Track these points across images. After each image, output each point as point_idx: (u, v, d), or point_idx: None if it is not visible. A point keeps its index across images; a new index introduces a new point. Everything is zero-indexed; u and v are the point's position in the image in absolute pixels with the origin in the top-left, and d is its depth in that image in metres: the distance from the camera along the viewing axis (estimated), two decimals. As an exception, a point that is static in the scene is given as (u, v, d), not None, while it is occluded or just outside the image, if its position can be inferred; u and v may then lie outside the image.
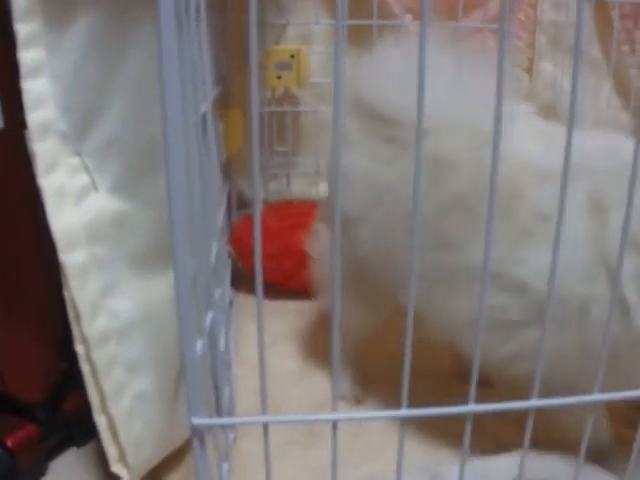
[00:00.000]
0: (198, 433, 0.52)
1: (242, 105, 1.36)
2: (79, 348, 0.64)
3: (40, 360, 0.76)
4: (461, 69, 0.80)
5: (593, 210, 0.67)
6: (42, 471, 0.76)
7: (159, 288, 0.66)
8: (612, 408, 0.74)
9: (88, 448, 0.80)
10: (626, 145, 0.54)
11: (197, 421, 0.52)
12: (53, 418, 0.78)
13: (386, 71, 0.84)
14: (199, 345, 0.57)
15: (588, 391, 0.54)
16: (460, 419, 0.53)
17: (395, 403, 0.54)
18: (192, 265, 0.60)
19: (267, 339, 1.09)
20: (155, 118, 0.60)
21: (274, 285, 1.22)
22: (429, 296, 0.75)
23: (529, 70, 1.58)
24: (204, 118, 0.64)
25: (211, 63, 0.79)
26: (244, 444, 0.79)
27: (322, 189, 1.54)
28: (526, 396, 0.53)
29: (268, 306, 1.21)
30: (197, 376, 0.51)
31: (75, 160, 0.63)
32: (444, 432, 0.81)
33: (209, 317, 0.63)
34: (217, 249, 0.80)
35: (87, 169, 0.63)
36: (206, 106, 0.65)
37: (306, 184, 1.52)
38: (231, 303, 1.17)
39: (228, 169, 1.30)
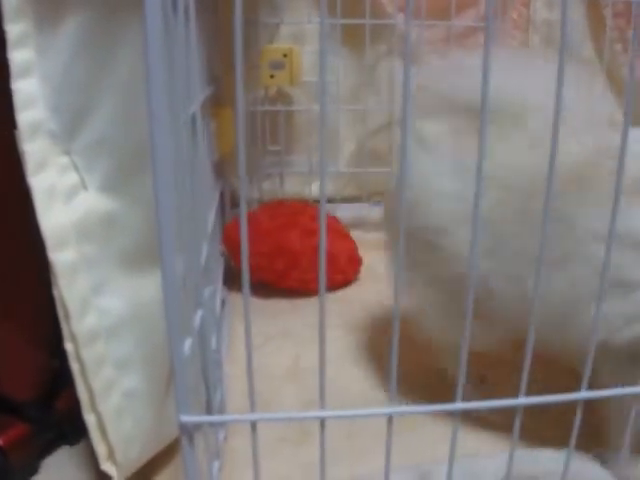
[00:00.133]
0: (186, 431, 0.53)
1: (232, 104, 1.36)
2: (68, 346, 0.64)
3: (31, 359, 0.76)
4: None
5: None
6: (34, 470, 0.76)
7: (149, 287, 0.66)
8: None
9: (80, 446, 0.80)
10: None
11: (185, 419, 0.52)
12: (45, 417, 0.78)
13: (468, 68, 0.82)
14: (187, 344, 0.57)
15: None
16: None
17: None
18: (180, 264, 0.60)
19: (259, 338, 1.11)
20: (145, 118, 0.60)
21: (267, 284, 1.22)
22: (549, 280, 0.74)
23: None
24: (194, 118, 0.64)
25: (202, 63, 0.79)
26: (235, 442, 0.79)
27: (315, 188, 1.54)
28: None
29: (260, 305, 1.23)
30: (185, 374, 0.52)
31: (65, 159, 0.63)
32: (435, 430, 0.82)
33: (198, 316, 0.63)
34: (208, 248, 0.81)
35: (77, 168, 0.63)
36: (196, 106, 0.65)
37: (299, 183, 1.53)
38: (224, 302, 1.18)
39: (221, 168, 1.30)
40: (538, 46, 1.56)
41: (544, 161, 0.47)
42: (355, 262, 1.31)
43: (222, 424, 0.77)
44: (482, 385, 0.89)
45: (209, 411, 0.69)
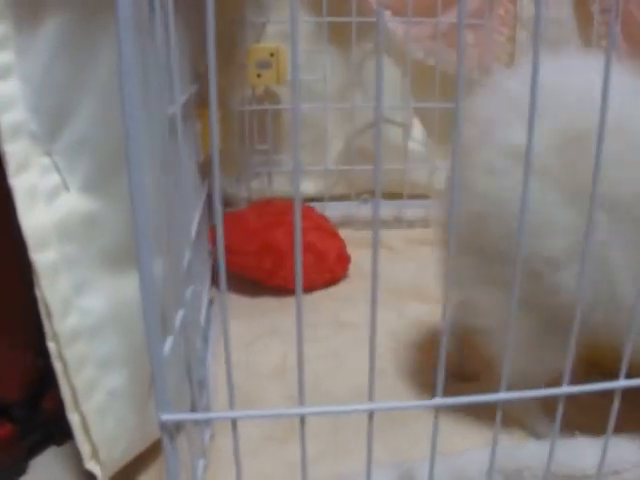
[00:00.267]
0: (167, 429, 0.53)
1: (221, 104, 1.37)
2: (51, 345, 0.64)
3: (17, 359, 0.76)
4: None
5: None
6: (21, 470, 0.76)
7: (130, 286, 0.66)
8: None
9: (67, 446, 0.80)
10: None
11: (165, 417, 0.52)
12: (31, 417, 0.78)
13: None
14: (168, 343, 0.57)
15: None
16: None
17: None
18: (160, 265, 0.60)
19: (247, 336, 1.11)
20: (141, 116, 0.61)
21: (255, 282, 1.23)
22: None
23: (509, 65, 1.59)
24: (173, 119, 0.64)
25: (185, 62, 0.79)
26: (222, 441, 0.79)
27: (304, 187, 1.55)
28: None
29: (249, 303, 1.23)
30: (164, 373, 0.52)
31: (46, 160, 0.63)
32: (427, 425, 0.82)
33: (179, 316, 0.64)
34: (193, 248, 0.81)
35: (58, 169, 0.63)
36: (177, 106, 0.65)
37: (288, 182, 1.53)
38: (212, 301, 1.18)
39: (208, 168, 1.31)
40: (525, 42, 1.57)
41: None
42: (344, 260, 1.31)
43: (207, 422, 0.77)
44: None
45: (194, 410, 0.69)
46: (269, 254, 1.19)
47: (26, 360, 0.77)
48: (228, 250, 1.24)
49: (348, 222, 1.50)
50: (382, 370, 0.99)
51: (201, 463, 0.73)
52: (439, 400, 0.55)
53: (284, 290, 1.22)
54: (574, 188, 0.70)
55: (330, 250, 1.27)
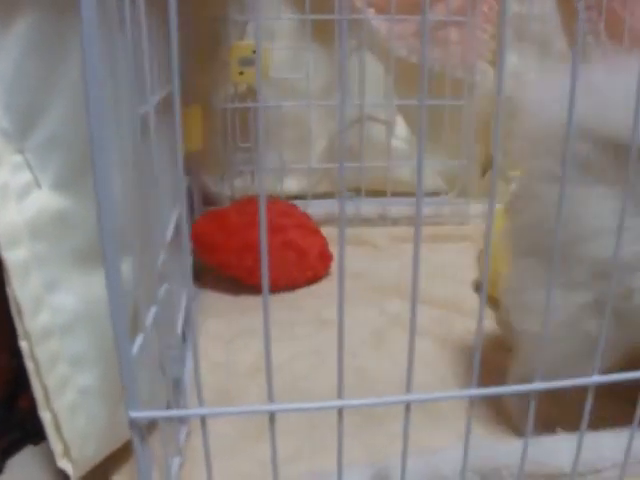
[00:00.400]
0: (137, 427, 0.53)
1: (204, 102, 1.36)
2: (23, 344, 0.64)
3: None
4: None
5: None
6: (-2, 470, 0.77)
7: (101, 284, 0.65)
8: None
9: (44, 445, 0.80)
10: None
11: (134, 414, 0.52)
12: (7, 417, 0.78)
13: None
14: (138, 341, 0.57)
15: None
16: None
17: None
18: (129, 264, 0.60)
19: (228, 334, 1.12)
20: (106, 115, 0.60)
21: (236, 280, 1.23)
22: None
23: (493, 62, 1.59)
24: (145, 118, 0.64)
25: (161, 61, 0.79)
26: (198, 439, 0.79)
27: (287, 185, 1.55)
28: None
29: (230, 301, 1.23)
30: (133, 371, 0.52)
31: (18, 158, 0.63)
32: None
33: (151, 314, 0.64)
34: (171, 246, 0.81)
35: (30, 167, 0.63)
36: (149, 105, 0.65)
37: (271, 180, 1.53)
38: (193, 299, 1.18)
39: (189, 166, 1.31)
40: (509, 39, 1.57)
41: None
42: (326, 258, 1.31)
43: (182, 420, 0.77)
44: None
45: (169, 407, 0.70)
46: (250, 252, 1.18)
47: (1, 360, 0.77)
48: (210, 248, 1.25)
49: (331, 220, 1.50)
50: (361, 368, 0.99)
51: (176, 461, 0.73)
52: (414, 396, 0.55)
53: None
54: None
55: (312, 248, 1.27)
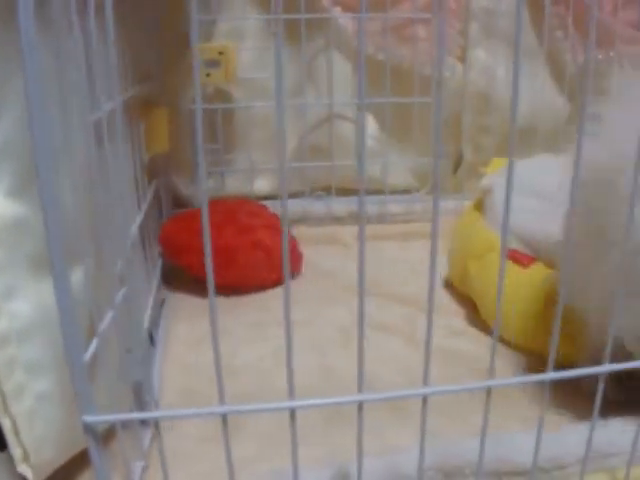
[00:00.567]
0: (91, 431, 0.53)
1: (172, 103, 1.36)
2: (-20, 350, 0.64)
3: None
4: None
5: None
6: (-36, 477, 0.77)
7: (57, 291, 0.66)
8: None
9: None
10: None
11: (88, 419, 0.52)
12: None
13: None
14: (92, 346, 0.58)
15: None
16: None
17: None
18: (81, 270, 0.60)
19: (196, 335, 1.12)
20: (50, 121, 0.60)
21: (205, 281, 1.22)
22: None
23: (462, 58, 1.59)
24: (99, 123, 0.65)
25: (120, 65, 0.79)
26: (163, 442, 0.79)
27: (257, 185, 1.55)
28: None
29: (199, 304, 1.24)
30: (85, 376, 0.52)
31: (-29, 165, 0.63)
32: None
33: (107, 318, 0.64)
34: (132, 250, 0.81)
35: (-17, 174, 0.63)
36: (104, 111, 0.65)
37: (241, 181, 1.53)
38: (163, 302, 1.18)
39: (155, 169, 1.30)
40: (477, 35, 1.57)
41: None
42: (295, 258, 1.31)
43: (145, 423, 0.77)
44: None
45: (132, 410, 0.70)
46: (218, 253, 1.18)
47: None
48: (178, 250, 1.24)
49: (302, 219, 1.50)
50: (331, 367, 0.99)
51: (139, 465, 0.73)
52: (363, 396, 0.56)
53: (236, 289, 1.22)
54: None
55: (280, 248, 1.27)
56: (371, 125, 1.60)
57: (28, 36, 0.43)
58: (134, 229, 0.90)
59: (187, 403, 0.89)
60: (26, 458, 0.67)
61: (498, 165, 1.26)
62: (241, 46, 1.46)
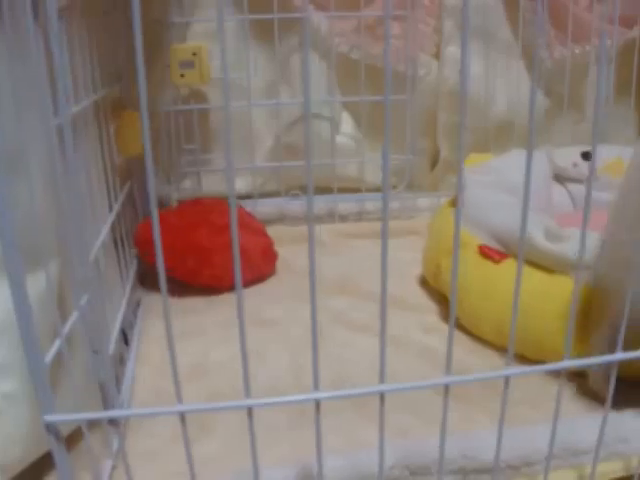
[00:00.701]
0: (53, 430, 0.54)
1: (147, 105, 1.36)
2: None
3: None
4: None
5: None
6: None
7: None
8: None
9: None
10: None
11: (49, 418, 0.53)
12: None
13: None
14: (55, 346, 0.58)
15: None
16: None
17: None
18: (41, 274, 0.61)
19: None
20: (9, 124, 0.61)
21: (182, 282, 1.23)
22: None
23: (437, 56, 1.60)
24: (60, 128, 0.65)
25: (86, 68, 0.79)
26: (133, 441, 0.80)
27: (235, 185, 1.55)
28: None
29: (175, 303, 1.23)
30: (45, 376, 0.52)
31: None
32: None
33: (71, 320, 0.64)
34: (98, 250, 0.82)
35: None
36: (63, 117, 0.66)
37: (218, 181, 1.54)
38: (139, 303, 1.19)
39: (128, 171, 1.31)
40: (451, 32, 1.58)
41: None
42: (270, 257, 1.31)
43: (114, 423, 0.78)
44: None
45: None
46: (192, 253, 1.19)
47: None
48: (151, 250, 1.24)
49: (279, 218, 1.51)
50: (302, 366, 0.99)
51: (108, 464, 0.74)
52: (320, 394, 0.56)
53: (211, 289, 1.23)
54: None
55: (255, 247, 1.27)
56: (347, 124, 1.61)
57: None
58: (104, 230, 0.91)
59: (159, 402, 0.89)
60: None
61: (475, 161, 1.26)
62: (216, 47, 1.46)
